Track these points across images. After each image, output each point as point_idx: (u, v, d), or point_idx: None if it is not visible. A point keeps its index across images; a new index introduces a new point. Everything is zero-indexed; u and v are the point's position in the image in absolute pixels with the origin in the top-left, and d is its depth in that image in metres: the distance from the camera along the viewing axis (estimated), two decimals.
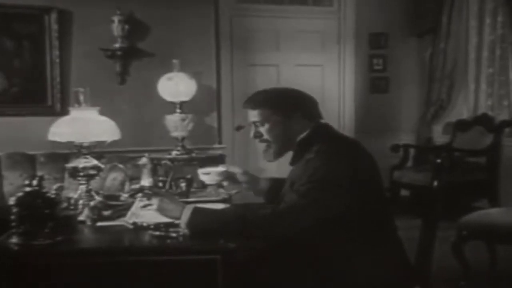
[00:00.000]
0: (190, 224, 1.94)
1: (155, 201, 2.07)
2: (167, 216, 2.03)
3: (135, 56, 4.63)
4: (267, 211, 1.94)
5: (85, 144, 2.45)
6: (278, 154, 2.14)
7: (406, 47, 6.03)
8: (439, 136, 5.91)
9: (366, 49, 5.95)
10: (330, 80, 5.97)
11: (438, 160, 2.10)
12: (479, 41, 5.51)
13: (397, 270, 2.02)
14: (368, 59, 5.99)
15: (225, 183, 2.43)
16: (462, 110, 5.78)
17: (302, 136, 2.09)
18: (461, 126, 5.51)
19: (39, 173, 2.57)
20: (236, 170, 2.44)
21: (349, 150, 2.05)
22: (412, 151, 5.63)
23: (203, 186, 2.64)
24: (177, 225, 2.00)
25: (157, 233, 1.98)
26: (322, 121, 2.15)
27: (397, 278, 2.02)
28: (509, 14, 5.16)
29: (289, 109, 2.10)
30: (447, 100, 5.84)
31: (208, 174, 2.39)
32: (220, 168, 2.45)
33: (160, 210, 2.04)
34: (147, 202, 2.15)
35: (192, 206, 2.01)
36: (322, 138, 2.06)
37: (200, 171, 2.44)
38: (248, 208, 2.28)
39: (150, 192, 2.19)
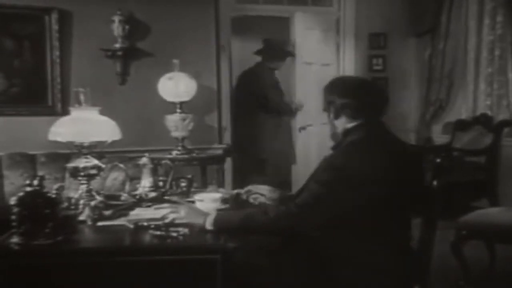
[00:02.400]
0: (216, 222, 2.01)
1: (182, 209, 2.15)
2: (193, 221, 2.08)
3: (135, 56, 4.63)
4: (290, 204, 1.98)
5: (85, 144, 2.46)
6: (332, 140, 2.22)
7: (405, 47, 6.04)
8: (438, 136, 5.91)
9: (366, 49, 5.95)
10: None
11: (438, 160, 2.11)
12: (478, 41, 5.51)
13: (398, 271, 2.03)
14: (368, 59, 5.99)
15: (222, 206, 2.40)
16: (461, 110, 5.78)
17: (348, 126, 2.11)
18: (461, 126, 5.51)
19: (40, 173, 2.58)
20: (264, 189, 2.47)
21: (378, 147, 2.05)
22: None
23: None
24: (177, 225, 2.05)
25: (158, 232, 1.99)
26: (380, 118, 2.15)
27: (397, 278, 2.03)
28: (508, 14, 5.16)
29: (343, 99, 2.12)
30: (446, 100, 5.84)
31: (202, 201, 2.38)
32: (215, 195, 2.46)
33: (188, 217, 2.11)
34: (174, 210, 2.20)
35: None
36: (362, 132, 2.08)
37: (196, 197, 2.45)
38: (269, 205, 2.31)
39: (178, 202, 2.29)
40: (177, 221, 2.11)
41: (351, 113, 2.10)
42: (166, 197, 2.53)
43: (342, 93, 2.14)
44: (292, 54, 5.37)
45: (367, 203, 1.93)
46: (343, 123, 2.13)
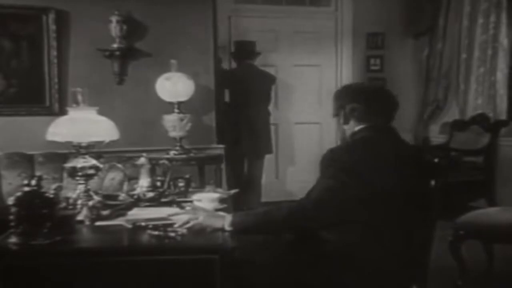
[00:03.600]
0: (233, 223, 2.01)
1: (201, 214, 2.10)
2: (211, 226, 2.06)
3: (133, 56, 4.62)
4: (304, 199, 2.02)
5: (83, 144, 2.46)
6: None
7: (403, 48, 6.05)
8: (436, 136, 5.93)
9: (363, 49, 5.97)
10: (327, 80, 5.98)
11: (435, 160, 2.12)
12: (470, 42, 5.51)
13: (395, 269, 2.03)
14: (365, 59, 6.01)
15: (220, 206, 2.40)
16: (457, 110, 5.80)
17: (356, 129, 2.14)
18: (458, 126, 5.53)
19: (38, 173, 2.58)
20: (206, 198, 2.45)
21: (382, 146, 2.08)
22: None
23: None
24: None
25: (156, 232, 1.99)
26: (388, 124, 2.18)
27: (395, 278, 2.03)
28: (504, 15, 5.17)
29: (351, 103, 2.15)
30: (444, 100, 5.86)
31: (200, 201, 2.38)
32: (213, 195, 2.47)
33: (206, 221, 2.08)
34: (193, 216, 2.14)
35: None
36: (368, 133, 2.11)
37: (194, 197, 2.46)
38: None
39: (196, 208, 2.24)
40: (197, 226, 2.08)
41: (359, 116, 2.13)
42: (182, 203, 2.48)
43: (351, 98, 2.17)
44: (259, 53, 5.37)
45: (370, 197, 1.94)
46: (351, 127, 2.16)
